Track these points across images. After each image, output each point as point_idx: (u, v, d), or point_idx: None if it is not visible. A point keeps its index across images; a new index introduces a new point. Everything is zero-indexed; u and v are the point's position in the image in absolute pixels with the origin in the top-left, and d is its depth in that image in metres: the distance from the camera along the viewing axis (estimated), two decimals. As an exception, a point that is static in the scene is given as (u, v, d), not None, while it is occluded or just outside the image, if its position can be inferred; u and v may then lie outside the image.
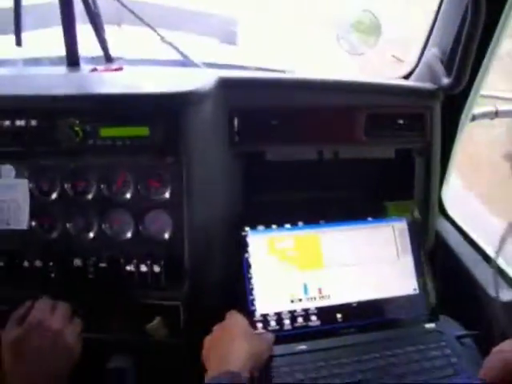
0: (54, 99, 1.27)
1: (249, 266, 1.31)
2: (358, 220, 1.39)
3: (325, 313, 1.31)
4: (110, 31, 1.64)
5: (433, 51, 1.50)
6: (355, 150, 1.48)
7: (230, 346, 1.13)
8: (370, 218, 1.40)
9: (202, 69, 1.60)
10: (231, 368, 1.05)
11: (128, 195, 1.29)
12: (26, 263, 1.31)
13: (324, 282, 1.33)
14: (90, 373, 1.27)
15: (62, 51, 1.57)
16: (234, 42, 2.38)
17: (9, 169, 1.30)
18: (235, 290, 1.31)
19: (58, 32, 1.56)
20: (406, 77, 1.63)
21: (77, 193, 1.30)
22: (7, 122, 1.25)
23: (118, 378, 1.32)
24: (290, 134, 1.42)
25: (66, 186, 1.29)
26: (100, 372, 1.32)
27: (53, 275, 1.31)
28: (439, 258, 1.50)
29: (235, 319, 1.22)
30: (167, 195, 1.28)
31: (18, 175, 1.30)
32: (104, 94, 1.32)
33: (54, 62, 1.64)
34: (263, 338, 1.22)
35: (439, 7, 1.48)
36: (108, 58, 1.62)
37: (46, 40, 1.86)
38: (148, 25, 1.60)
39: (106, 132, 1.24)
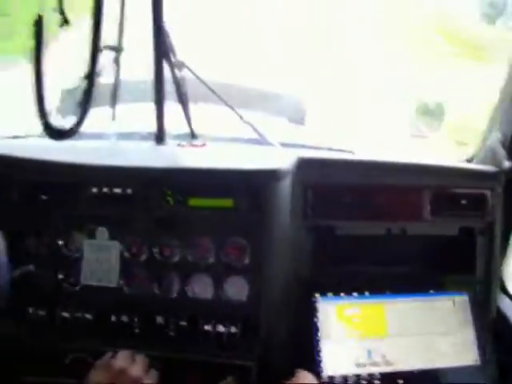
0: (149, 171, 1.42)
1: (317, 330, 1.40)
2: (421, 293, 1.47)
3: (388, 378, 1.38)
4: (193, 108, 1.78)
5: (495, 135, 1.57)
6: (421, 227, 1.54)
7: None
8: (431, 291, 1.47)
9: (277, 147, 1.73)
10: None
11: (210, 260, 1.40)
12: (113, 318, 1.42)
13: (387, 349, 1.40)
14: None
15: (146, 126, 1.73)
16: (302, 122, 2.49)
17: (103, 231, 1.44)
18: (303, 352, 1.39)
19: (141, 107, 1.73)
20: (470, 160, 1.71)
21: (163, 256, 1.42)
22: (105, 189, 1.40)
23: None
24: (360, 211, 1.51)
25: (154, 250, 1.42)
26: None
27: (137, 330, 1.42)
28: (501, 332, 1.52)
29: (304, 377, 1.29)
30: (246, 262, 1.39)
31: (112, 237, 1.43)
32: (195, 168, 1.44)
33: (143, 136, 1.80)
34: None
35: (502, 93, 1.56)
36: (193, 135, 1.77)
37: (133, 113, 2.04)
38: (231, 107, 1.75)
39: (194, 202, 1.38)
